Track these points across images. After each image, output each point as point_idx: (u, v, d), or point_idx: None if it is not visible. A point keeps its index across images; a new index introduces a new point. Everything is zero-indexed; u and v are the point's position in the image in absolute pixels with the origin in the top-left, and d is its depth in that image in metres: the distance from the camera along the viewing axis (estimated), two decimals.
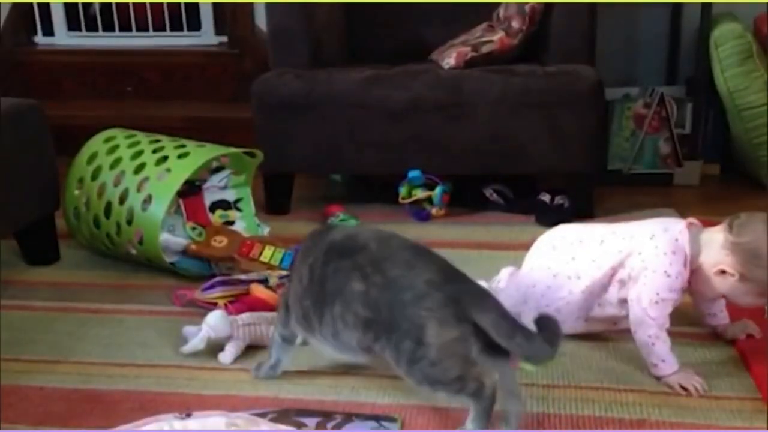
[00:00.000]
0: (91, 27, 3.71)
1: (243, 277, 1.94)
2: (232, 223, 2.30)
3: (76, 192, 2.18)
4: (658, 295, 1.54)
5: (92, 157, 2.17)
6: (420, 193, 2.54)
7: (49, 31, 3.70)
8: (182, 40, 3.63)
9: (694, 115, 2.85)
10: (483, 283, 1.75)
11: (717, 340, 1.70)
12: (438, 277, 1.31)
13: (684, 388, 1.51)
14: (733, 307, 1.69)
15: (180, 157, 2.08)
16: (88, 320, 1.88)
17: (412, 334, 1.29)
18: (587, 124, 2.43)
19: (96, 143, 2.21)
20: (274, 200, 2.63)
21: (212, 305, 1.83)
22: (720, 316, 1.71)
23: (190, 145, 2.14)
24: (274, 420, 1.37)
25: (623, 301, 1.61)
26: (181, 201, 2.22)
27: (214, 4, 3.56)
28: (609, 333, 1.74)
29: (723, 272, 1.53)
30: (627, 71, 3.15)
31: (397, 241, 1.40)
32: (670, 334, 1.60)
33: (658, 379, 1.55)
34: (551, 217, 2.44)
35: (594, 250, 1.65)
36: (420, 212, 2.54)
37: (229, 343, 1.66)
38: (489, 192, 2.64)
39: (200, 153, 2.11)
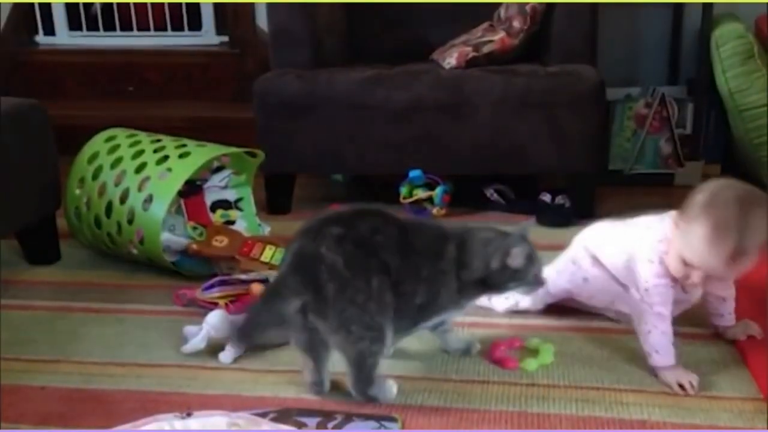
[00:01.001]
0: (93, 27, 3.71)
1: (244, 276, 1.94)
2: (233, 222, 2.30)
3: (77, 191, 2.18)
4: (647, 282, 1.56)
5: (93, 156, 2.17)
6: (421, 193, 2.54)
7: (50, 30, 3.71)
8: (183, 39, 3.63)
9: (696, 115, 2.85)
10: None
11: (718, 339, 1.70)
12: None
13: (680, 386, 1.51)
14: (737, 307, 1.70)
15: (181, 156, 2.08)
16: (89, 320, 1.88)
17: None
18: (588, 124, 2.43)
19: (97, 143, 2.21)
20: (275, 200, 2.63)
21: (213, 305, 1.83)
22: (726, 318, 1.71)
23: (191, 145, 2.14)
24: (275, 420, 1.37)
25: None
26: (182, 200, 2.22)
27: (215, 4, 3.56)
28: (610, 333, 1.74)
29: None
30: (628, 71, 3.15)
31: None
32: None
33: (654, 372, 1.55)
34: (552, 218, 2.45)
35: (620, 235, 1.71)
36: (421, 212, 2.54)
37: (230, 343, 1.66)
38: (490, 192, 2.64)
39: (201, 152, 2.11)
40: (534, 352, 1.66)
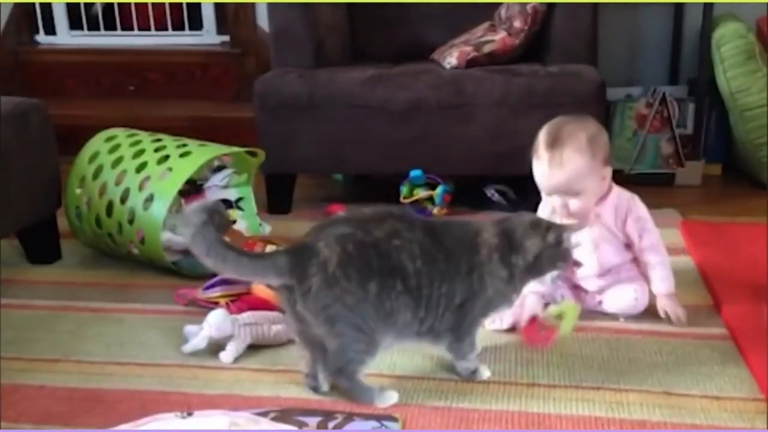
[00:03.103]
0: (93, 26, 3.72)
1: None
2: (233, 222, 2.30)
3: (78, 191, 2.18)
4: None
5: (94, 156, 2.17)
6: (421, 193, 2.54)
7: (51, 30, 3.71)
8: (184, 39, 3.64)
9: (696, 115, 2.85)
10: None
11: (719, 339, 1.70)
12: None
13: None
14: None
15: (182, 156, 2.08)
16: (90, 319, 1.88)
17: None
18: None
19: (97, 142, 2.21)
20: (276, 200, 2.63)
21: (214, 304, 1.83)
22: (657, 284, 1.79)
23: (192, 144, 2.14)
24: (275, 419, 1.37)
25: None
26: (182, 200, 2.22)
27: (216, 4, 3.56)
28: (611, 333, 1.74)
29: None
30: (629, 71, 3.15)
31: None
32: (672, 334, 1.63)
33: None
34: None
35: None
36: (421, 212, 2.53)
37: (230, 343, 1.66)
38: (490, 192, 2.64)
39: (202, 152, 2.11)
40: (559, 318, 1.65)
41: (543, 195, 1.77)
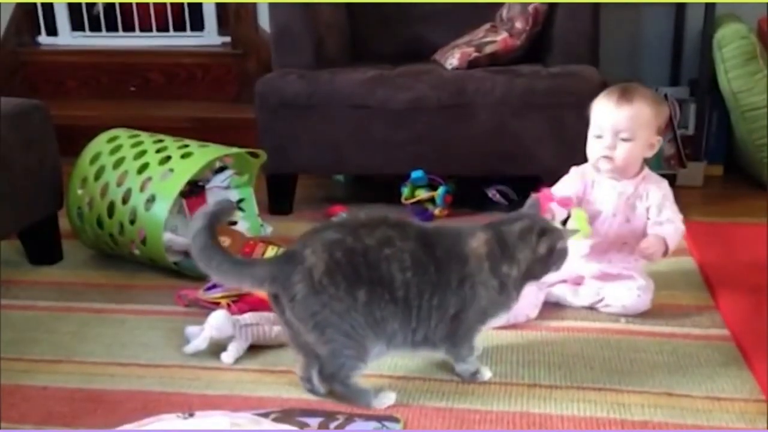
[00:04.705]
0: (95, 27, 3.72)
1: None
2: (234, 223, 2.30)
3: (79, 192, 2.18)
4: None
5: (95, 157, 2.18)
6: (423, 194, 2.54)
7: (52, 31, 3.71)
8: (185, 40, 3.64)
9: (698, 116, 2.85)
10: None
11: (720, 340, 1.70)
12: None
13: None
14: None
15: (183, 157, 2.08)
16: (91, 320, 1.88)
17: None
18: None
19: (99, 143, 2.21)
20: (277, 200, 2.63)
21: (215, 305, 1.83)
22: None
23: (193, 145, 2.14)
24: (276, 420, 1.37)
25: None
26: (183, 201, 2.22)
27: (217, 5, 3.57)
28: (613, 333, 1.74)
29: None
30: (630, 72, 3.14)
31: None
32: (673, 335, 1.62)
33: None
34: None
35: None
36: (423, 213, 2.54)
37: (232, 343, 1.66)
38: (492, 192, 2.64)
39: (203, 153, 2.11)
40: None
41: (590, 138, 1.82)
